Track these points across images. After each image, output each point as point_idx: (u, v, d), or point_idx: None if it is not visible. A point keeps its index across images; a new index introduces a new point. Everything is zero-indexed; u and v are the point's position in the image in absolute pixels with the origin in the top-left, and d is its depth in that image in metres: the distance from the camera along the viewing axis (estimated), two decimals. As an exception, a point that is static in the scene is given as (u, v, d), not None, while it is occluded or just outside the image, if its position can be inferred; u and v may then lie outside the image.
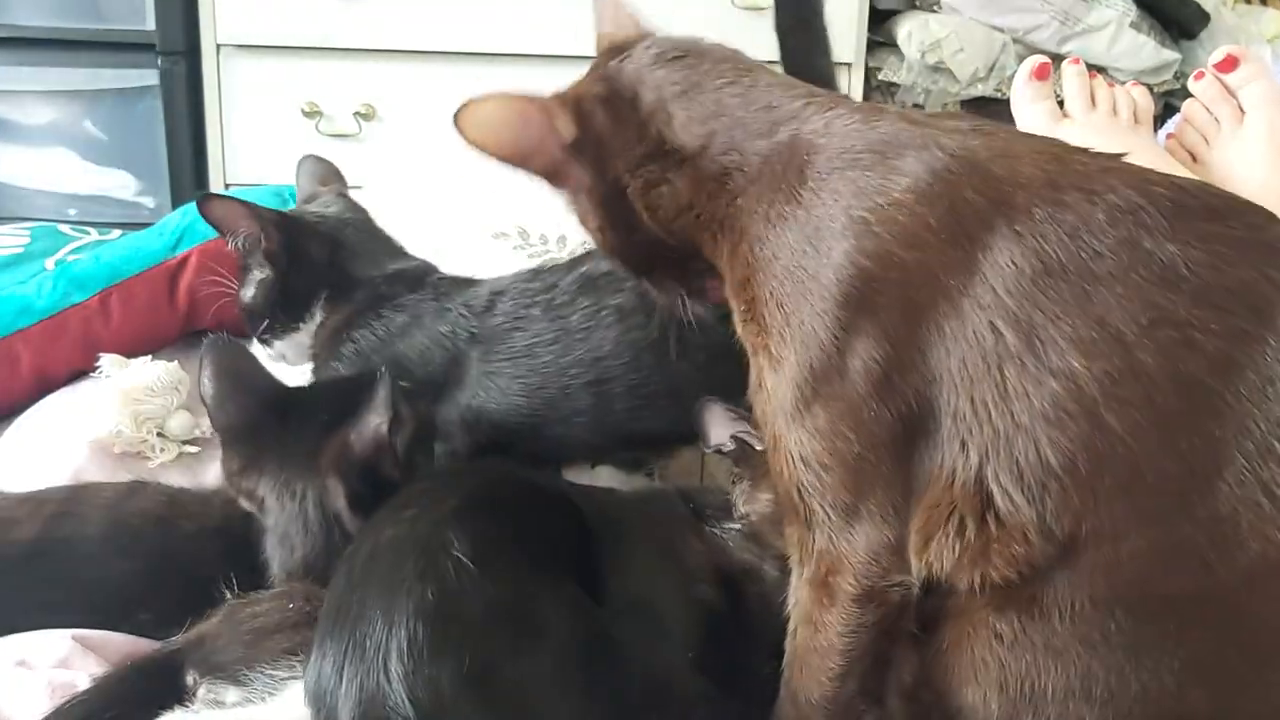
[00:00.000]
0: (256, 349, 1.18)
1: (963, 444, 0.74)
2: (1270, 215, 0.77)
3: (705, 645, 0.87)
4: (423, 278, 1.19)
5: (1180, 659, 0.73)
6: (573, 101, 0.87)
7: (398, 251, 1.24)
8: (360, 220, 1.24)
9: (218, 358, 0.98)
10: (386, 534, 0.83)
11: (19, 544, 0.96)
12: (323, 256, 1.18)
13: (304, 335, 1.20)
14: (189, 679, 0.86)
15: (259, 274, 1.18)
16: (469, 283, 1.19)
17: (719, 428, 1.01)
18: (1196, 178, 0.89)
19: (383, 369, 0.92)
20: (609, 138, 0.86)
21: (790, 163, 0.81)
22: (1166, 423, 0.71)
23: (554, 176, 0.89)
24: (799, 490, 0.78)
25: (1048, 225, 0.74)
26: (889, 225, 0.76)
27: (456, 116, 0.85)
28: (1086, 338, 0.72)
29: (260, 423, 0.99)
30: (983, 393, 0.73)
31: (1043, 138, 0.83)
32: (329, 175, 1.32)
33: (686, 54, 0.87)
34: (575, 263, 1.16)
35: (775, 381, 0.79)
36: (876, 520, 0.77)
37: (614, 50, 0.90)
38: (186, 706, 0.84)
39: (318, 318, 1.19)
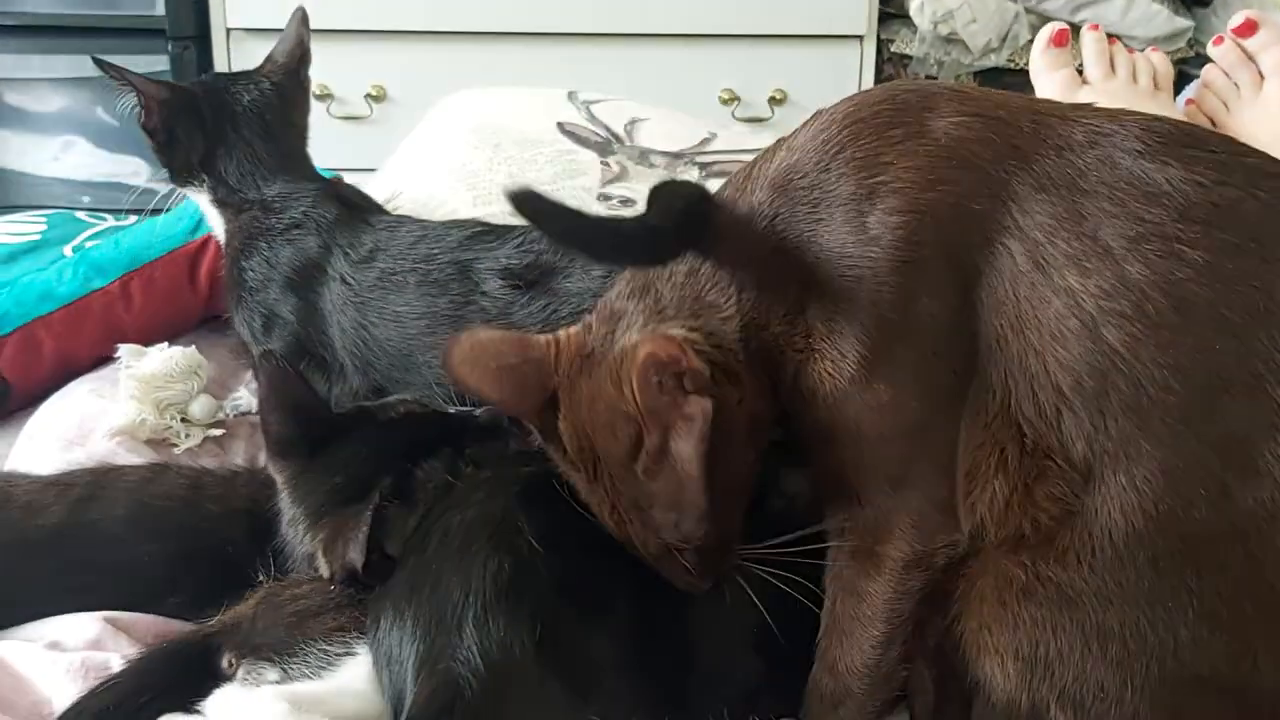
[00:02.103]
0: None
1: (992, 376, 0.75)
2: (1248, 146, 0.78)
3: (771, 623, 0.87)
4: (302, 202, 1.21)
5: (1196, 611, 0.73)
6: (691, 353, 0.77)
7: (280, 166, 1.25)
8: (259, 120, 1.25)
9: (269, 375, 1.01)
10: (455, 519, 0.85)
11: (47, 529, 0.97)
12: (197, 148, 1.24)
13: (193, 201, 1.28)
14: (225, 661, 0.86)
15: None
16: (357, 223, 1.20)
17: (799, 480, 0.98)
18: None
19: (378, 494, 0.90)
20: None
21: (784, 202, 0.78)
22: (1161, 335, 0.72)
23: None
24: (852, 467, 0.78)
25: (1036, 140, 0.75)
26: (905, 174, 0.75)
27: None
28: (1080, 253, 0.73)
29: (294, 448, 0.99)
30: (1003, 318, 0.74)
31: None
32: (297, 45, 1.30)
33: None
34: (463, 244, 1.15)
35: (835, 380, 0.77)
36: (927, 482, 0.77)
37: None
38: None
39: (204, 195, 1.25)
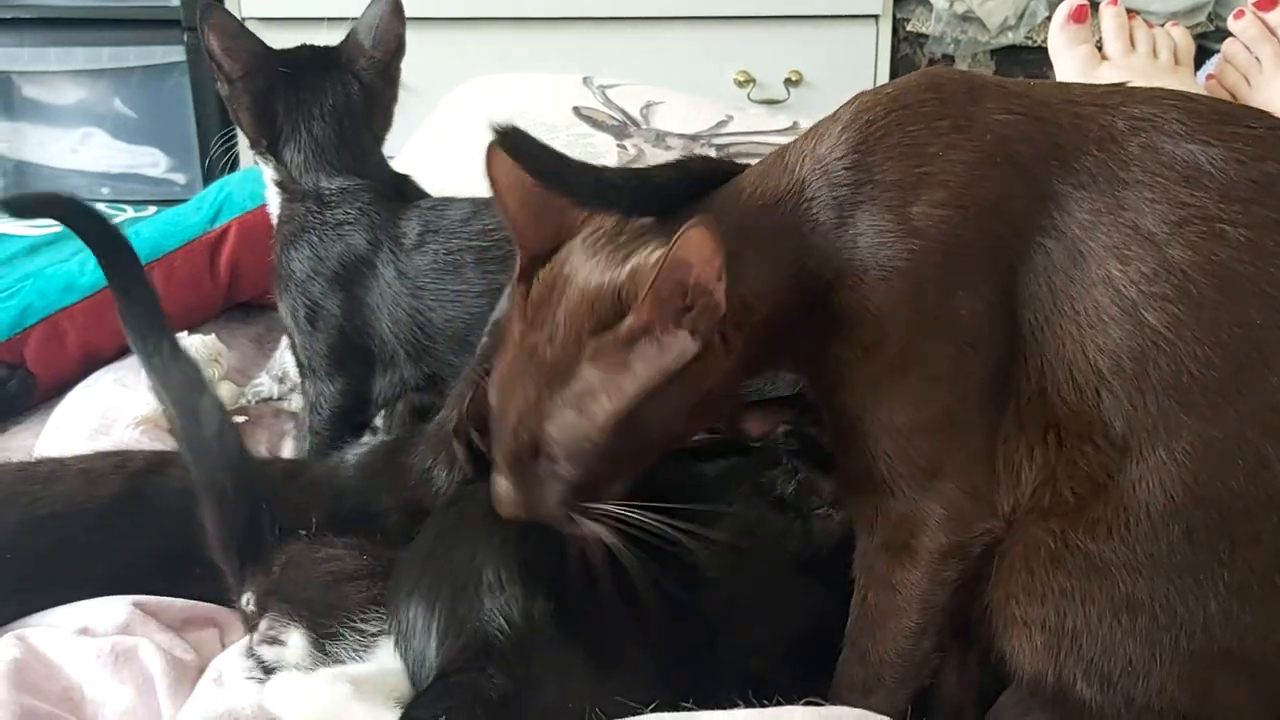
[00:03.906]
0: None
1: (1028, 363, 0.75)
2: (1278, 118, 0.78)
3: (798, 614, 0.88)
4: (358, 199, 1.19)
5: (1227, 583, 0.73)
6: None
7: (345, 166, 1.21)
8: (336, 124, 1.20)
9: None
10: (479, 492, 0.85)
11: (102, 499, 0.98)
12: (267, 133, 1.20)
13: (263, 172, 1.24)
14: (244, 599, 0.88)
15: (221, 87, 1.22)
16: (401, 211, 1.19)
17: (759, 422, 0.96)
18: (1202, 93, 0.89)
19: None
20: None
21: (824, 183, 0.77)
22: (1203, 314, 0.72)
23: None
24: (884, 460, 0.77)
25: (1078, 136, 0.75)
26: (952, 167, 0.75)
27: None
28: (1120, 243, 0.73)
29: None
30: (1039, 311, 0.75)
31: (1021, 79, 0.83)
32: (394, 38, 1.24)
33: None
34: None
35: (870, 368, 0.77)
36: (961, 472, 0.77)
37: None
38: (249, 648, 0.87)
39: (270, 172, 1.22)
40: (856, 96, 0.80)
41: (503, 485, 0.79)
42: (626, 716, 0.75)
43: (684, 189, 0.78)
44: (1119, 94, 0.79)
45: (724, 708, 0.76)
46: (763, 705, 0.76)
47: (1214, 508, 0.73)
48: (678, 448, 0.84)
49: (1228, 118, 0.76)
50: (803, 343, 0.79)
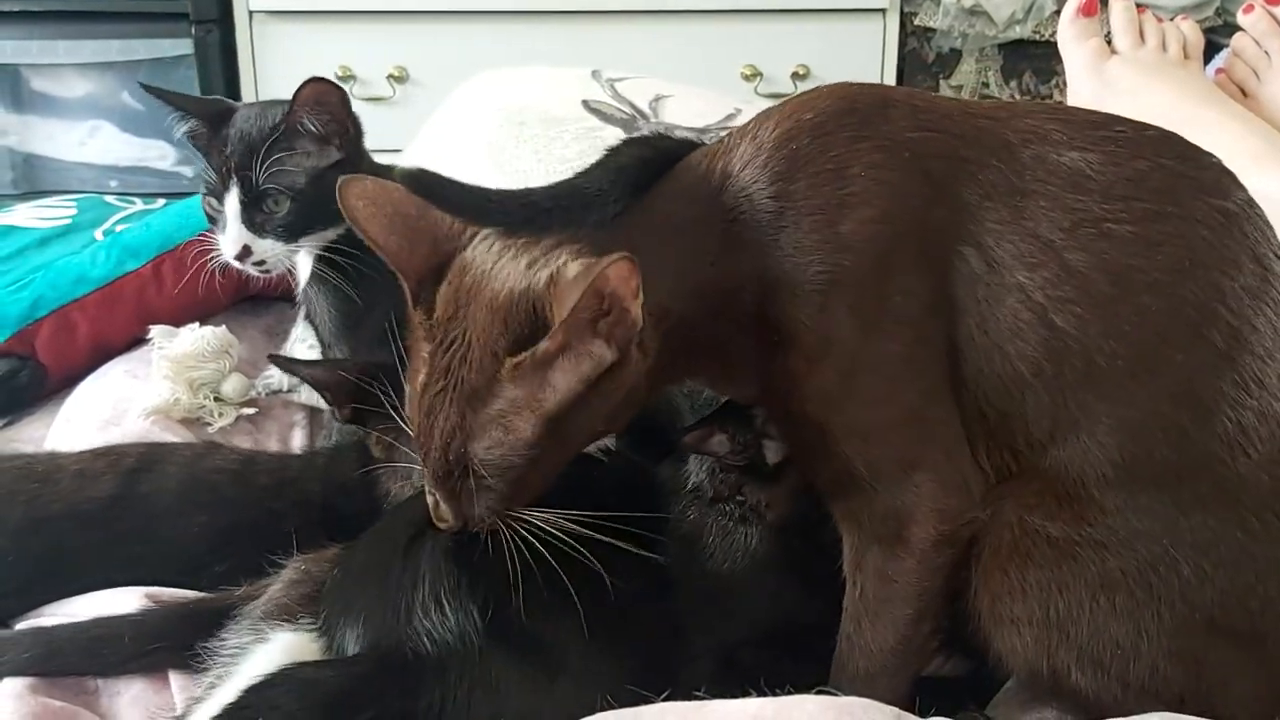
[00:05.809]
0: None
1: (960, 371, 0.78)
2: (1144, 122, 0.83)
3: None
4: None
5: (1191, 545, 0.76)
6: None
7: None
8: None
9: None
10: (418, 502, 0.84)
11: (98, 500, 0.98)
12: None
13: (299, 252, 1.20)
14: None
15: (313, 161, 1.18)
16: None
17: (695, 437, 0.92)
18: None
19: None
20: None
21: (747, 206, 0.78)
22: (1103, 309, 0.77)
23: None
24: (861, 460, 0.79)
25: (980, 149, 0.79)
26: (875, 186, 0.77)
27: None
28: (1026, 252, 0.77)
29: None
30: (970, 318, 0.78)
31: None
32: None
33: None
34: None
35: (820, 377, 0.78)
36: (938, 464, 0.79)
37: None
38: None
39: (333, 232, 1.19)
40: (774, 117, 0.80)
41: (436, 501, 0.80)
42: (600, 712, 0.74)
43: (617, 195, 0.77)
44: (1005, 109, 0.83)
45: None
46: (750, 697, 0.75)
47: (1148, 480, 0.77)
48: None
49: (1098, 125, 0.81)
50: (746, 356, 0.80)
